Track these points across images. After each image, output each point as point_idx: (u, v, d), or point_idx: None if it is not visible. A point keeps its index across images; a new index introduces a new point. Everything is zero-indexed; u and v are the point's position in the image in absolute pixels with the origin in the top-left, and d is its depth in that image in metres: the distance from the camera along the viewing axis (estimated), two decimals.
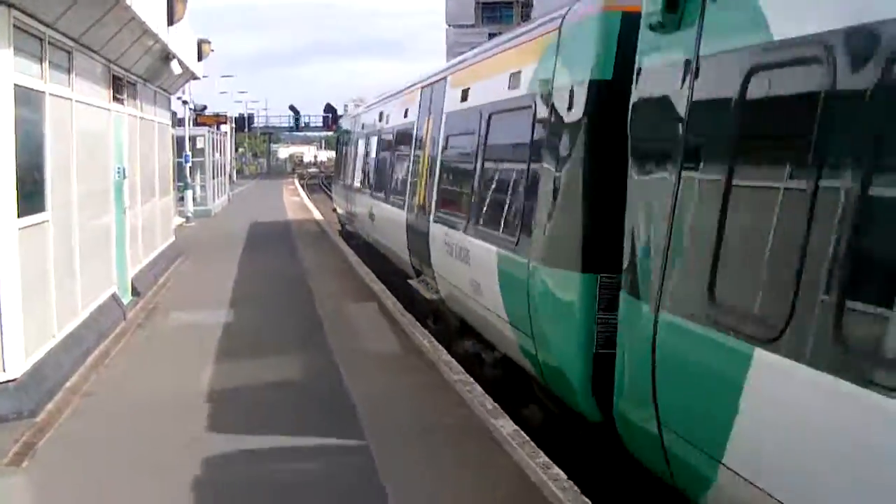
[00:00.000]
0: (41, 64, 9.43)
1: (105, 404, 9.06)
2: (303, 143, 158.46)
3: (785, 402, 4.20)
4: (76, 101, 10.82)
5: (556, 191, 7.69)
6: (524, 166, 8.56)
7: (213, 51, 23.32)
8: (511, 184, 9.13)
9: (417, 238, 13.36)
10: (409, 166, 15.02)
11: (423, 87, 14.76)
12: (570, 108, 7.54)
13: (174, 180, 24.34)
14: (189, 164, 33.02)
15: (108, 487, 6.84)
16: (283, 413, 8.74)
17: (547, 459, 7.36)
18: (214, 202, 37.92)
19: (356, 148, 24.30)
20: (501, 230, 9.12)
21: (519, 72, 9.04)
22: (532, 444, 7.74)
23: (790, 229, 4.24)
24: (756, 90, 4.63)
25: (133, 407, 8.95)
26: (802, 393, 4.06)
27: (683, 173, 5.29)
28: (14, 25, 8.34)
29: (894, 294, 3.65)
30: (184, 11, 14.90)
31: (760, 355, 4.33)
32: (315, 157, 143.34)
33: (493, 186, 9.92)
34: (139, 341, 11.99)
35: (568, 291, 7.35)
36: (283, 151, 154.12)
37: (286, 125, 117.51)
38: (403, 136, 16.31)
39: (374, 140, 20.68)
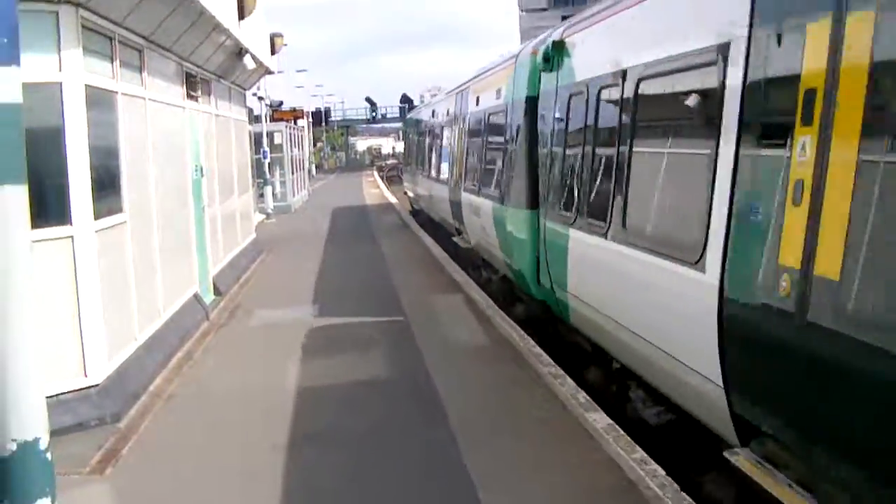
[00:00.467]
0: (112, 63, 9.30)
1: (189, 407, 8.90)
2: (380, 134, 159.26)
3: (580, 253, 9.12)
4: (149, 99, 10.70)
5: (514, 162, 12.30)
6: (504, 149, 13.14)
7: (286, 45, 23.27)
8: (499, 161, 13.61)
9: (455, 205, 18.53)
10: (447, 153, 20.55)
11: (455, 94, 20.20)
12: (520, 112, 12.16)
13: (253, 177, 24.39)
14: (268, 160, 33.12)
15: (195, 496, 6.62)
16: (371, 413, 8.40)
17: (644, 455, 6.93)
18: (294, 197, 38.04)
19: (415, 139, 31.37)
20: (493, 189, 13.97)
21: (500, 88, 13.96)
22: (627, 438, 7.33)
23: (576, 174, 9.37)
24: (573, 104, 9.68)
25: (218, 409, 8.77)
26: (584, 247, 8.90)
27: (554, 148, 10.49)
28: (83, 25, 8.19)
29: (610, 196, 8.02)
30: (254, 5, 14.74)
31: (570, 231, 9.39)
32: (393, 148, 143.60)
33: (491, 163, 14.63)
34: (222, 341, 11.85)
35: (521, 221, 11.67)
36: (361, 144, 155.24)
37: (363, 117, 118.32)
38: (443, 131, 22.13)
39: (426, 133, 26.95)
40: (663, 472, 6.57)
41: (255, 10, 14.92)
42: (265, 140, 33.11)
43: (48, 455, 2.85)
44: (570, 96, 9.69)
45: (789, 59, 4.98)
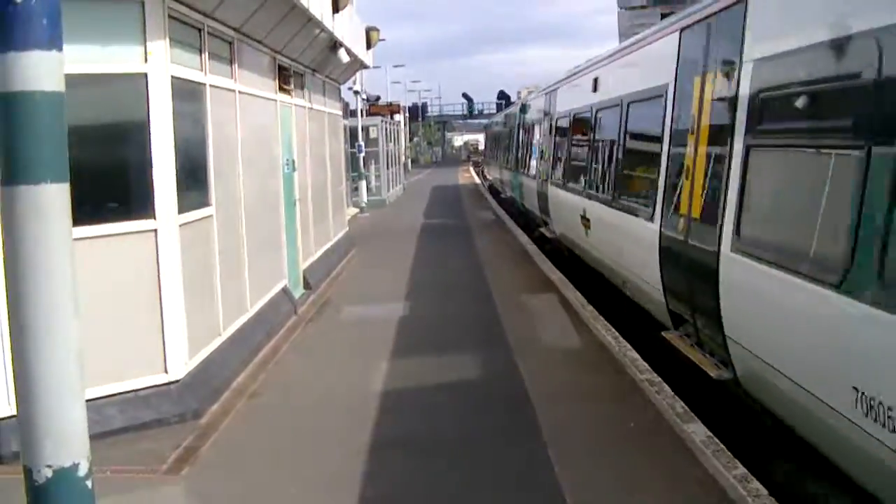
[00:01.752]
0: (200, 55, 9.19)
1: (273, 406, 8.71)
2: (477, 130, 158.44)
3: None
4: (240, 92, 10.59)
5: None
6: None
7: (383, 39, 23.18)
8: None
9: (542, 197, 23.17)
10: (536, 150, 24.93)
11: (521, 103, 29.24)
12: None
13: (347, 170, 24.37)
14: (362, 154, 33.18)
15: (271, 500, 6.41)
16: (459, 420, 8.04)
17: (745, 471, 6.39)
18: (389, 192, 38.09)
19: (493, 138, 44.84)
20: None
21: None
22: (728, 453, 6.76)
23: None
24: (602, 118, 13.80)
25: (302, 409, 8.54)
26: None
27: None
28: (169, 16, 8.08)
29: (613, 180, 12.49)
30: None
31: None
32: None
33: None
34: (310, 337, 11.70)
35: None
36: (458, 139, 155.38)
37: (459, 113, 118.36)
38: (533, 129, 26.00)
39: (499, 133, 38.12)
40: (766, 492, 6.07)
41: (349, 3, 14.74)
42: (360, 134, 33.16)
43: (88, 483, 2.53)
44: (597, 111, 14.22)
45: (688, 97, 8.79)
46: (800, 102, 6.09)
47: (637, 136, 11.57)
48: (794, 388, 5.94)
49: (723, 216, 7.29)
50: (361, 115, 34.72)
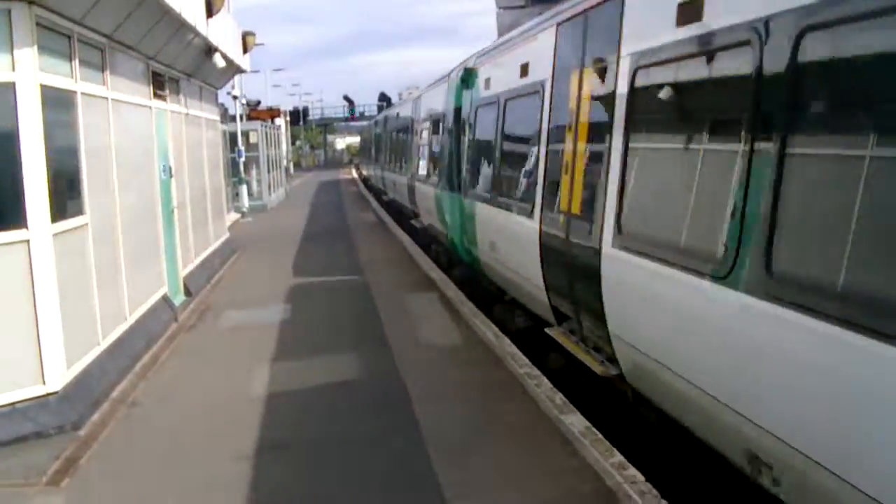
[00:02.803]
0: (71, 62, 9.07)
1: (153, 414, 8.70)
2: (359, 132, 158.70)
3: (481, 216, 12.68)
4: (113, 99, 10.47)
5: (445, 156, 16.55)
6: (441, 147, 17.25)
7: (261, 43, 23.05)
8: (439, 156, 17.79)
9: (411, 191, 22.90)
10: (407, 150, 24.69)
11: (410, 103, 25.57)
12: (451, 118, 15.96)
13: (228, 176, 24.11)
14: (242, 160, 32.85)
15: None
16: (339, 420, 8.21)
17: (622, 459, 6.74)
18: (270, 196, 37.78)
19: (378, 138, 38.51)
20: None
21: (442, 97, 17.49)
22: (605, 442, 7.08)
23: (478, 164, 13.47)
24: (480, 115, 13.24)
25: (182, 416, 8.58)
26: (483, 212, 12.44)
27: (464, 139, 14.57)
28: (37, 24, 7.97)
29: (493, 178, 12.08)
30: (222, 3, 14.52)
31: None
32: None
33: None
34: (190, 344, 11.66)
35: (452, 201, 15.44)
36: (340, 142, 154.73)
37: (341, 115, 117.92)
38: (402, 132, 26.64)
39: (386, 134, 33.20)
40: (643, 478, 6.39)
41: (222, 7, 14.69)
42: (240, 139, 32.82)
43: None
44: (477, 109, 13.62)
45: (566, 93, 8.82)
46: (675, 98, 6.32)
47: (514, 134, 11.36)
48: (677, 380, 6.04)
49: (603, 213, 7.27)
50: (241, 120, 34.34)
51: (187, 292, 14.31)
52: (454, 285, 14.70)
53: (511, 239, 10.74)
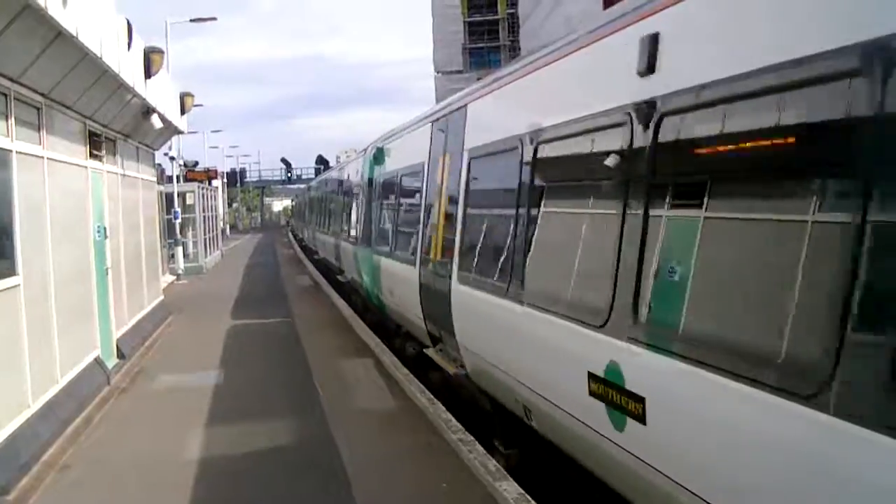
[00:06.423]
0: (7, 121, 9.00)
1: (83, 479, 8.47)
2: (296, 195, 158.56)
3: (384, 268, 15.35)
4: (48, 158, 10.38)
5: (361, 218, 19.45)
6: (358, 208, 20.22)
7: (199, 105, 23.02)
8: (356, 219, 20.72)
9: (336, 248, 25.57)
10: (334, 213, 27.66)
11: (336, 170, 30.98)
12: (365, 187, 18.74)
13: (163, 238, 23.86)
14: (178, 221, 32.57)
15: None
16: (273, 488, 8.08)
17: None
18: (206, 258, 37.42)
19: (310, 202, 43.83)
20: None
21: (359, 168, 20.62)
22: None
23: (381, 226, 16.70)
24: (384, 185, 16.56)
25: (113, 481, 8.38)
26: (385, 264, 15.12)
27: (374, 204, 17.64)
28: None
29: (392, 235, 15.08)
30: (161, 65, 14.56)
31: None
32: None
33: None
34: (123, 408, 11.43)
35: (365, 256, 17.82)
36: (278, 204, 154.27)
37: (278, 178, 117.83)
38: (331, 197, 29.90)
39: (317, 199, 37.33)
40: None
41: (161, 69, 14.72)
42: (177, 200, 32.58)
43: None
44: (382, 180, 16.73)
45: (435, 172, 11.65)
46: (488, 178, 9.46)
47: (406, 202, 14.59)
48: (496, 371, 8.51)
49: (452, 258, 10.04)
50: (178, 181, 34.12)
51: (120, 355, 14.05)
52: (389, 351, 14.66)
53: (402, 283, 13.42)
